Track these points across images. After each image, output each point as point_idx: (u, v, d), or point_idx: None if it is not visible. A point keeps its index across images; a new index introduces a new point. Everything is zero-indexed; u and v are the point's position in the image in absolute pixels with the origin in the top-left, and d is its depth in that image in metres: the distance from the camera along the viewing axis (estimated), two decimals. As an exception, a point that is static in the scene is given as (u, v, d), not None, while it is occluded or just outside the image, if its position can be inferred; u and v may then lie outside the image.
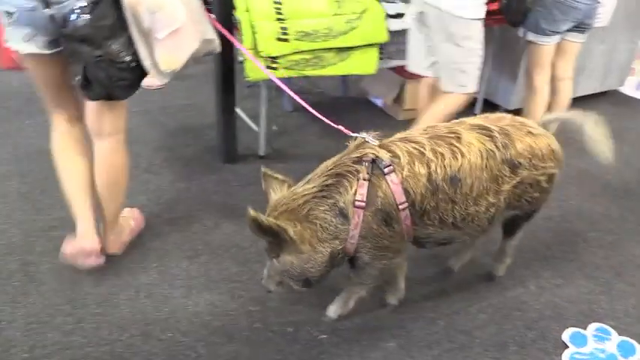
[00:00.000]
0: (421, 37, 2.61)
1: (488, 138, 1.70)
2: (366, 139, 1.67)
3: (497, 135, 1.71)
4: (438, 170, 1.63)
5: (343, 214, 1.61)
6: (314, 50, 2.60)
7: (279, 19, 2.48)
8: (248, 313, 2.00)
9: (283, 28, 2.47)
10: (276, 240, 1.61)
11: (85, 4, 1.57)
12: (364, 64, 2.77)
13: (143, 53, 1.70)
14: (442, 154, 1.64)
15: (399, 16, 2.81)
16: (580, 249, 2.52)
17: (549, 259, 2.43)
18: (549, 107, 3.09)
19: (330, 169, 1.64)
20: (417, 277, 2.21)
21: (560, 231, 2.64)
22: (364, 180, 1.58)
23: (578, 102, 3.88)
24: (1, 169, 2.77)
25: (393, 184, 1.59)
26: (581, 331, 2.04)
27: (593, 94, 4.09)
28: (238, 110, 2.88)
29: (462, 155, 1.65)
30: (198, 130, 3.32)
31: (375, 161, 1.61)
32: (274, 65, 2.54)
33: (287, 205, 1.63)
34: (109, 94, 1.73)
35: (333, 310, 1.97)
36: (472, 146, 1.67)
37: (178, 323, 1.93)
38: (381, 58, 2.88)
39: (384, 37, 2.73)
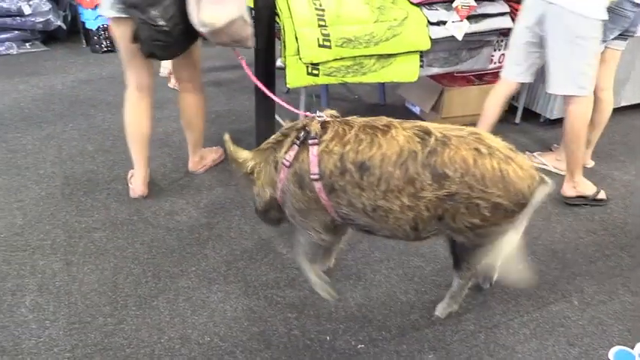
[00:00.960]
0: (524, 42, 2.62)
1: (418, 140, 1.65)
2: (318, 114, 1.83)
3: (431, 140, 1.64)
4: (350, 153, 1.69)
5: (276, 167, 1.85)
6: (355, 57, 2.59)
7: (321, 26, 2.48)
8: (286, 319, 2.00)
9: (325, 35, 2.47)
10: (239, 170, 1.97)
11: None
12: (405, 71, 2.75)
13: (193, 11, 2.06)
14: (361, 141, 1.70)
15: (441, 23, 2.77)
16: (625, 264, 2.44)
17: (593, 274, 2.36)
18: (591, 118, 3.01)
19: (285, 129, 1.88)
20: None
21: (604, 245, 2.56)
22: (295, 145, 1.79)
23: (621, 112, 3.79)
24: (46, 171, 2.84)
25: (312, 155, 1.74)
26: (628, 350, 1.97)
27: (637, 104, 3.97)
28: (277, 117, 2.89)
29: (379, 147, 1.67)
30: (236, 136, 3.28)
31: (308, 132, 1.78)
32: (315, 72, 2.54)
33: (262, 146, 1.94)
34: (151, 52, 2.14)
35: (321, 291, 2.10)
36: (394, 142, 1.66)
37: (217, 328, 1.94)
38: (420, 66, 2.85)
39: (426, 45, 2.71)
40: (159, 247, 2.32)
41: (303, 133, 1.79)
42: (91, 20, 4.61)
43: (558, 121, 3.69)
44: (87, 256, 2.24)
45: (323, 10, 2.51)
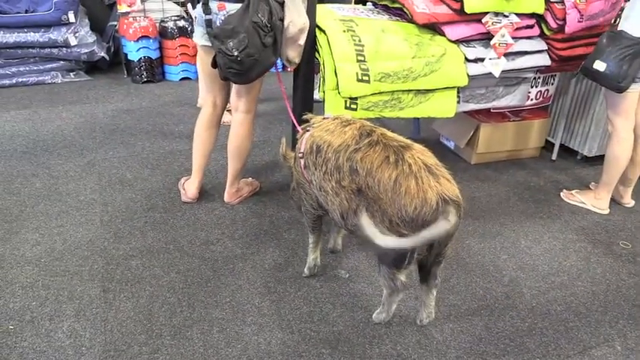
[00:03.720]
0: None
1: (358, 137, 1.89)
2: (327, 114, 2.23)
3: (365, 140, 1.86)
4: (317, 138, 1.99)
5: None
6: (393, 92, 2.61)
7: (360, 61, 2.51)
8: (319, 355, 1.97)
9: (364, 70, 2.50)
10: (286, 165, 2.41)
11: (225, 13, 2.33)
12: (443, 107, 2.75)
13: (286, 52, 2.50)
14: (327, 130, 1.99)
15: (478, 60, 2.78)
16: (672, 309, 2.34)
17: (637, 318, 2.27)
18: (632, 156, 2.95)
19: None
20: (498, 330, 2.13)
21: (626, 286, 2.47)
22: (304, 130, 2.16)
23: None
24: (86, 197, 2.92)
25: (305, 137, 2.09)
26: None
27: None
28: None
29: (333, 135, 1.95)
30: (272, 167, 3.38)
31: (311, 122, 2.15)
32: (353, 106, 2.56)
33: None
34: (225, 77, 2.40)
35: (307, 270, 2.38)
36: (343, 135, 1.93)
37: (250, 361, 1.93)
38: (457, 102, 2.85)
39: (463, 81, 2.71)
40: (194, 276, 2.34)
41: (308, 124, 2.16)
42: (133, 52, 4.77)
43: (596, 159, 3.63)
44: (123, 283, 2.27)
45: (362, 45, 2.55)
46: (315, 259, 2.36)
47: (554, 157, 3.72)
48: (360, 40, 2.55)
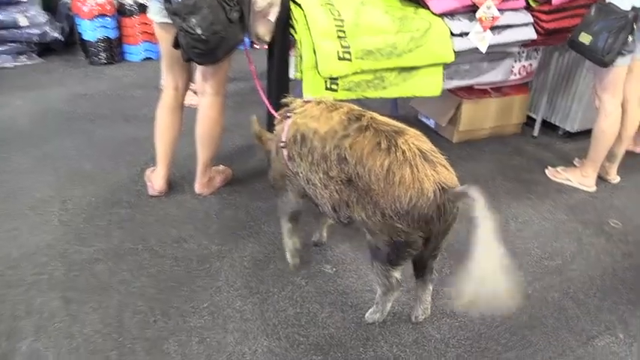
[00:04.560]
0: None
1: (346, 123, 1.73)
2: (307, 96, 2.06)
3: (354, 125, 1.71)
4: (302, 126, 1.83)
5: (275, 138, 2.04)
6: (376, 70, 2.42)
7: (340, 37, 2.31)
8: (310, 363, 1.81)
9: (345, 47, 2.30)
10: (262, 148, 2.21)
11: None
12: (428, 85, 2.58)
13: (255, 28, 2.26)
14: (313, 116, 1.83)
15: (464, 34, 2.61)
16: (668, 291, 2.27)
17: (636, 303, 2.19)
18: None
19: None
20: (497, 323, 2.01)
21: (623, 267, 2.39)
22: (282, 117, 2.00)
23: None
24: (43, 195, 2.65)
25: (285, 125, 1.92)
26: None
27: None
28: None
29: (318, 122, 1.79)
30: (245, 152, 3.16)
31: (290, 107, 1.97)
32: (334, 87, 2.37)
33: None
34: (189, 58, 2.16)
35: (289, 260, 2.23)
36: (330, 120, 1.77)
37: (235, 374, 1.76)
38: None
39: (450, 57, 2.54)
40: (167, 280, 2.14)
41: (287, 109, 1.98)
42: (89, 32, 4.42)
43: (578, 135, 3.55)
44: (88, 292, 2.05)
45: (342, 20, 2.34)
46: (294, 243, 2.20)
47: (535, 133, 3.62)
48: (339, 15, 2.35)
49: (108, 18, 4.44)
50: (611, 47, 2.47)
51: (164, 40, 2.31)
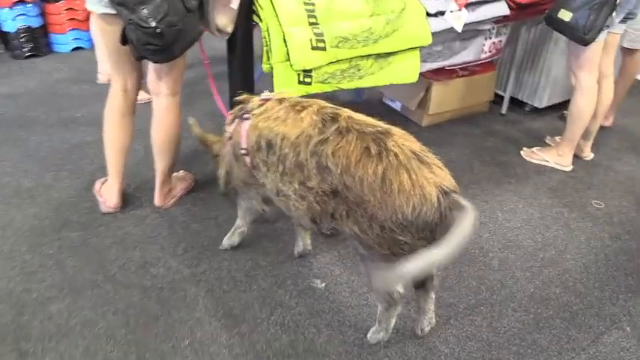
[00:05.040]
0: None
1: (321, 125, 1.52)
2: (265, 93, 1.79)
3: (331, 127, 1.50)
4: (265, 130, 1.62)
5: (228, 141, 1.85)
6: (351, 59, 2.19)
7: (312, 24, 2.06)
8: (316, 401, 1.62)
9: (318, 34, 2.05)
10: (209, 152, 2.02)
11: None
12: (406, 71, 2.38)
13: (215, 18, 1.96)
14: (277, 118, 1.61)
15: (439, 14, 2.42)
16: (661, 273, 2.23)
17: (634, 290, 2.13)
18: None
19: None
20: (505, 329, 1.88)
21: (632, 252, 2.34)
22: (236, 119, 1.78)
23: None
24: (-26, 222, 2.27)
25: (243, 129, 1.71)
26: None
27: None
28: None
29: (286, 125, 1.58)
30: (203, 153, 2.86)
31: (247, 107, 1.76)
32: (307, 79, 2.13)
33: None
34: (142, 56, 1.87)
35: (224, 240, 2.15)
36: (299, 123, 1.56)
37: None
38: (417, 63, 2.49)
39: (427, 39, 2.35)
40: (138, 315, 1.86)
41: (244, 107, 1.78)
42: (8, 21, 3.90)
43: (545, 111, 3.49)
44: (46, 340, 1.75)
45: (313, 4, 2.08)
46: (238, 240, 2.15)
47: (503, 110, 3.53)
48: (309, -2, 2.09)
49: (29, 5, 3.94)
50: (593, 24, 2.35)
51: (108, 34, 1.98)
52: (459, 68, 3.26)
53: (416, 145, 1.50)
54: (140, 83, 2.24)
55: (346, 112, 1.60)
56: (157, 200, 2.39)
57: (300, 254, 2.15)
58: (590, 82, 2.67)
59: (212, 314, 1.88)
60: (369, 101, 3.60)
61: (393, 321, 1.76)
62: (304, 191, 1.57)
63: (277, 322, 1.87)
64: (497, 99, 3.55)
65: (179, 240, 2.23)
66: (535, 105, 3.45)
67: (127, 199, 2.42)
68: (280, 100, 1.71)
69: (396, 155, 1.43)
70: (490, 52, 3.05)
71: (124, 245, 2.18)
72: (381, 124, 1.55)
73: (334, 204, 1.52)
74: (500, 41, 3.05)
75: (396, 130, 1.53)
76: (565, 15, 2.40)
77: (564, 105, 3.50)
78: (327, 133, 1.51)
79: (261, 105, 1.74)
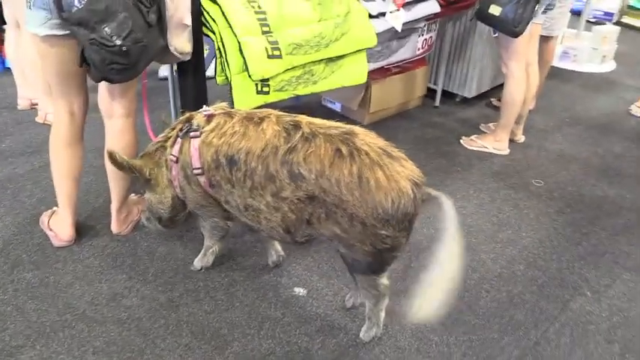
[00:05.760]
0: None
1: (285, 135, 1.54)
2: (205, 108, 1.77)
3: (296, 135, 1.53)
4: (224, 146, 1.61)
5: (167, 165, 1.80)
6: (304, 65, 2.20)
7: (265, 33, 2.04)
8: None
9: (273, 43, 2.04)
10: (140, 178, 1.87)
11: None
12: (355, 73, 2.43)
13: (171, 40, 1.86)
14: (235, 133, 1.60)
15: (380, 15, 2.49)
16: (604, 239, 2.44)
17: (585, 257, 2.32)
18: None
19: (175, 123, 1.81)
20: (482, 310, 1.97)
21: (577, 223, 2.55)
22: (179, 138, 1.73)
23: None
24: None
25: (193, 148, 1.67)
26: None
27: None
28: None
29: (248, 139, 1.58)
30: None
31: (191, 124, 1.71)
32: (265, 89, 2.11)
33: (149, 149, 1.88)
34: (104, 77, 1.75)
35: (196, 262, 2.09)
36: (261, 136, 1.56)
37: None
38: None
39: (373, 41, 2.41)
40: (120, 351, 1.76)
41: (186, 126, 1.73)
42: None
43: (474, 100, 3.69)
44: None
45: (264, 12, 2.07)
46: (214, 252, 2.07)
47: (437, 103, 3.69)
48: (259, 7, 2.07)
49: None
50: (522, 17, 2.53)
51: (51, 56, 1.85)
52: (393, 66, 3.37)
53: (381, 142, 1.56)
54: (87, 107, 2.10)
55: (305, 118, 1.63)
56: (115, 227, 2.27)
57: (275, 263, 2.12)
58: (521, 71, 2.87)
59: (199, 338, 1.82)
60: (307, 104, 3.60)
61: (383, 314, 1.79)
62: (277, 202, 1.57)
63: (268, 335, 1.84)
64: (429, 92, 3.70)
65: (146, 266, 2.13)
66: (465, 95, 3.64)
67: (80, 230, 2.27)
68: (230, 114, 1.69)
69: (366, 153, 1.48)
70: (423, 48, 3.18)
71: (88, 279, 2.05)
72: (343, 125, 1.59)
73: (311, 209, 1.54)
74: (430, 37, 3.19)
75: (359, 129, 1.58)
76: (495, 10, 2.56)
77: (491, 93, 3.75)
78: (294, 141, 1.53)
79: (208, 121, 1.70)
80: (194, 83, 2.12)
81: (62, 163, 2.10)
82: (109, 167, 2.12)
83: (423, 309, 1.57)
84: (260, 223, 1.67)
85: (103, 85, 1.97)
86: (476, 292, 2.08)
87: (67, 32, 1.75)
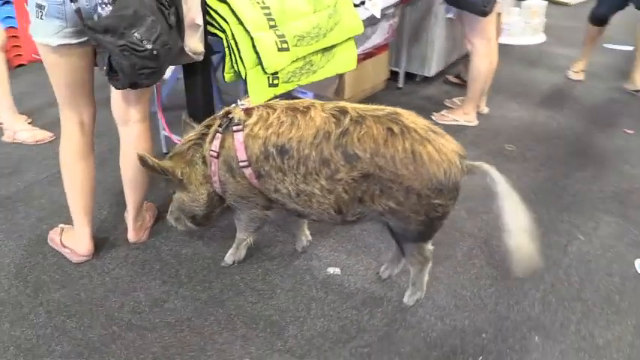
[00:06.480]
0: None
1: (334, 120, 1.64)
2: (240, 102, 1.87)
3: (345, 120, 1.63)
4: (273, 137, 1.68)
5: (204, 161, 1.85)
6: (305, 56, 2.29)
7: (272, 27, 2.10)
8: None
9: (281, 36, 2.11)
10: (168, 178, 1.89)
11: None
12: (346, 60, 2.54)
13: (188, 39, 1.88)
14: (282, 123, 1.67)
15: (361, 4, 2.62)
16: (579, 188, 2.73)
17: (567, 207, 2.59)
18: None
19: (208, 121, 1.86)
20: (498, 262, 2.17)
21: (553, 178, 2.81)
22: (218, 133, 1.77)
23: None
24: None
25: (237, 141, 1.73)
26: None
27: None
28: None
29: (298, 128, 1.65)
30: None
31: (231, 119, 1.76)
32: (275, 82, 2.17)
33: (179, 148, 1.91)
34: (133, 83, 1.74)
35: (227, 257, 2.13)
36: (311, 123, 1.65)
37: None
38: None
39: (360, 28, 2.53)
40: (181, 352, 1.78)
41: (225, 121, 1.78)
42: None
43: (433, 78, 3.92)
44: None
45: (268, 7, 2.12)
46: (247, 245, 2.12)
47: (400, 84, 3.88)
48: (263, 2, 2.13)
49: None
50: None
51: (62, 66, 1.82)
52: (361, 52, 3.50)
53: (423, 120, 1.70)
54: (95, 116, 2.06)
55: (347, 103, 1.73)
56: (132, 236, 2.25)
57: (304, 248, 2.21)
58: (486, 47, 3.10)
59: (254, 327, 1.87)
60: (278, 96, 3.68)
61: (426, 279, 1.94)
62: (332, 184, 1.66)
63: (318, 314, 1.93)
64: (392, 75, 3.88)
65: (176, 269, 2.14)
66: (425, 74, 3.86)
67: (94, 244, 2.22)
68: (271, 107, 1.77)
69: (415, 130, 1.61)
70: (389, 33, 3.34)
71: (121, 290, 2.03)
72: (385, 107, 1.71)
73: (365, 187, 1.64)
74: (395, 22, 3.36)
75: (401, 110, 1.71)
76: None
77: (446, 70, 4.00)
78: (345, 125, 1.63)
79: (248, 114, 1.76)
80: (202, 82, 2.14)
81: (76, 177, 2.06)
82: (128, 176, 2.11)
83: (524, 262, 1.68)
84: (311, 207, 1.74)
85: (117, 92, 1.95)
86: (488, 249, 2.27)
87: (81, 40, 1.76)
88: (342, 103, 1.71)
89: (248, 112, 1.78)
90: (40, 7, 1.69)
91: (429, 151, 1.59)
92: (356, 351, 1.79)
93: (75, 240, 2.15)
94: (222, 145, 1.78)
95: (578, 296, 2.05)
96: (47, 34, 1.73)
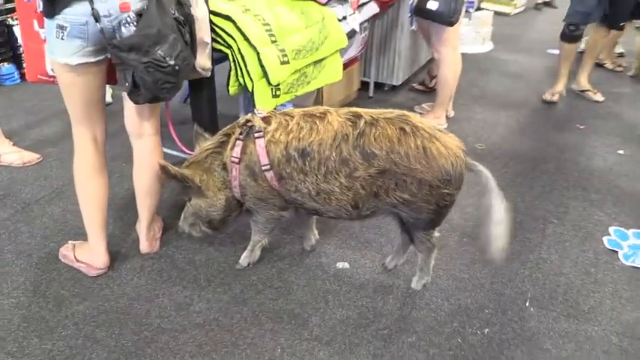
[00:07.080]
0: None
1: (350, 123, 1.82)
2: (257, 111, 2.02)
3: (361, 122, 1.81)
4: (294, 141, 1.85)
5: (225, 168, 1.99)
6: (301, 68, 2.46)
7: (273, 42, 2.27)
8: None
9: (282, 50, 2.28)
10: (187, 185, 2.01)
11: (132, 15, 1.77)
12: (333, 72, 2.73)
13: (198, 56, 2.04)
14: (302, 128, 1.85)
15: (343, 19, 2.82)
16: (546, 179, 3.02)
17: (538, 196, 2.87)
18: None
19: (227, 129, 2.01)
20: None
21: (523, 172, 3.10)
22: (239, 140, 1.92)
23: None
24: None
25: (259, 147, 1.88)
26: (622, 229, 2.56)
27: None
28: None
29: (317, 132, 1.83)
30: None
31: (251, 127, 1.92)
32: (278, 92, 2.33)
33: (196, 157, 2.05)
34: (155, 97, 1.86)
35: (242, 260, 2.26)
36: (330, 127, 1.83)
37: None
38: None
39: (345, 41, 2.73)
40: (214, 349, 1.89)
41: (245, 129, 1.92)
42: None
43: (401, 86, 4.18)
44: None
45: (268, 24, 2.29)
46: (262, 246, 2.27)
47: (371, 93, 4.12)
48: (264, 19, 2.30)
49: None
50: (456, 9, 3.02)
51: (78, 84, 1.90)
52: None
53: (427, 122, 1.91)
54: (106, 132, 2.14)
55: (360, 109, 1.93)
56: (145, 247, 2.33)
57: (312, 247, 2.36)
58: (452, 55, 3.38)
59: (279, 321, 2.01)
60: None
61: (432, 264, 2.14)
62: (350, 182, 1.84)
63: (336, 305, 2.09)
64: (362, 85, 4.11)
65: (194, 274, 2.24)
66: (393, 83, 4.11)
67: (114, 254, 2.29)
68: (288, 114, 1.93)
69: (424, 129, 1.82)
70: (362, 45, 3.57)
71: (144, 298, 2.12)
72: (394, 110, 1.91)
73: (380, 182, 1.83)
74: (366, 34, 3.59)
75: (408, 112, 1.92)
76: (432, 5, 3.02)
77: (411, 79, 4.27)
78: (361, 127, 1.82)
79: (267, 122, 1.92)
80: (208, 96, 2.27)
81: (92, 193, 2.13)
82: (143, 187, 2.21)
83: (497, 250, 1.93)
84: (330, 204, 1.91)
85: (132, 108, 2.06)
86: (474, 238, 2.49)
87: (99, 59, 1.86)
88: (354, 109, 1.91)
89: (266, 119, 1.93)
90: (61, 27, 1.75)
91: (438, 147, 1.80)
92: (377, 333, 1.96)
93: (90, 254, 2.22)
94: (244, 152, 1.93)
95: (560, 271, 2.31)
96: (67, 54, 1.80)
